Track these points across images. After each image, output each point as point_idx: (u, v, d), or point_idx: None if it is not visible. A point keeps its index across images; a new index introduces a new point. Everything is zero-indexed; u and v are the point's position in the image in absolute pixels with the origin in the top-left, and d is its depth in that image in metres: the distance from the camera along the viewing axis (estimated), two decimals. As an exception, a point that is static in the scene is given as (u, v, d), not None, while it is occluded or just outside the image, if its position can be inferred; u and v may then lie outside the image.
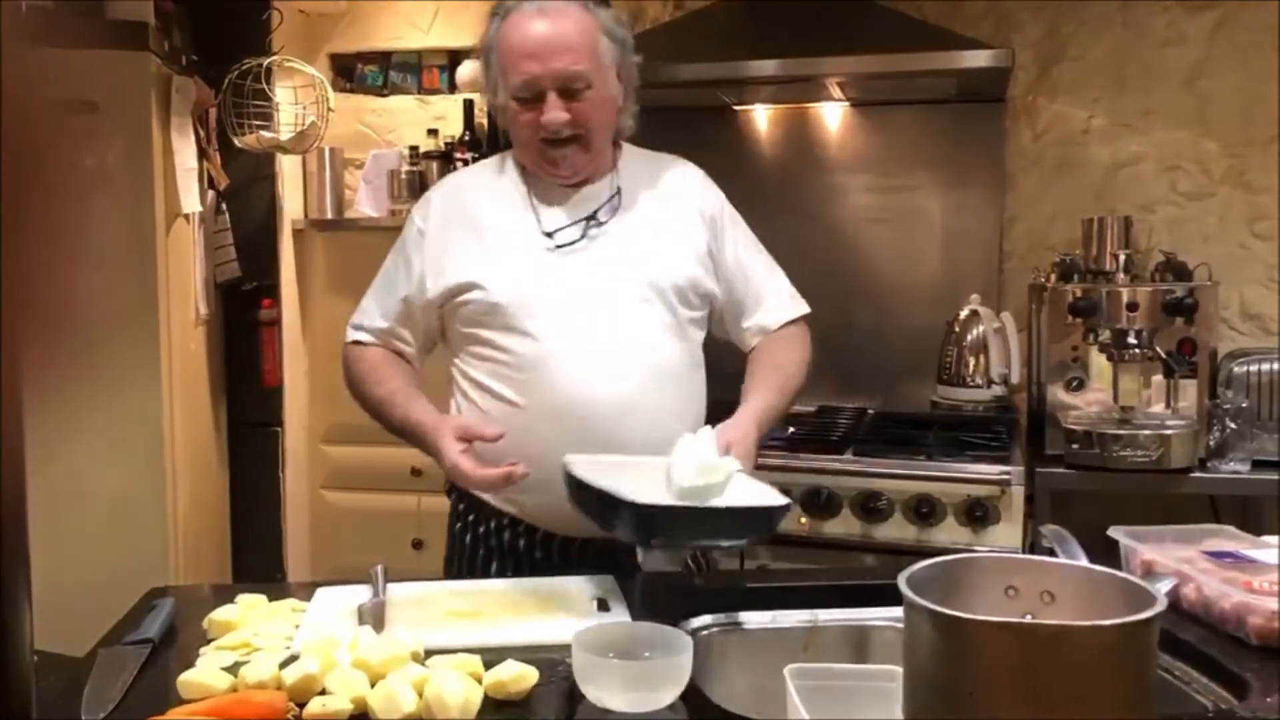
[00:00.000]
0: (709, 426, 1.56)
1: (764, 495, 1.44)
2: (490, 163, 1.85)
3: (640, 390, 1.66)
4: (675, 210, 1.78)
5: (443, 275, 1.72)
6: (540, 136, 1.67)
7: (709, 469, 1.43)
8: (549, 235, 1.71)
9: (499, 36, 1.68)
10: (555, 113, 1.64)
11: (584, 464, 1.49)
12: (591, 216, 1.72)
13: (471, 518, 1.77)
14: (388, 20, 3.46)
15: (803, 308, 1.88)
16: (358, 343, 1.82)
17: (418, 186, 3.27)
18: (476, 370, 1.71)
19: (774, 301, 1.84)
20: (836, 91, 2.94)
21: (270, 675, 1.16)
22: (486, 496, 1.73)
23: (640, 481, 1.42)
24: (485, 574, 1.72)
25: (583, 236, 1.71)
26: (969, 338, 2.85)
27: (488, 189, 1.78)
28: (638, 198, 1.76)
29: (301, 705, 1.12)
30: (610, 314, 1.68)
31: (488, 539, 1.74)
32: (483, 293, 1.68)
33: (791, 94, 3.04)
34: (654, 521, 1.38)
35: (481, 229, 1.73)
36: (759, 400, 1.70)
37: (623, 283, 1.69)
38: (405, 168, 3.31)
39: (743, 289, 1.81)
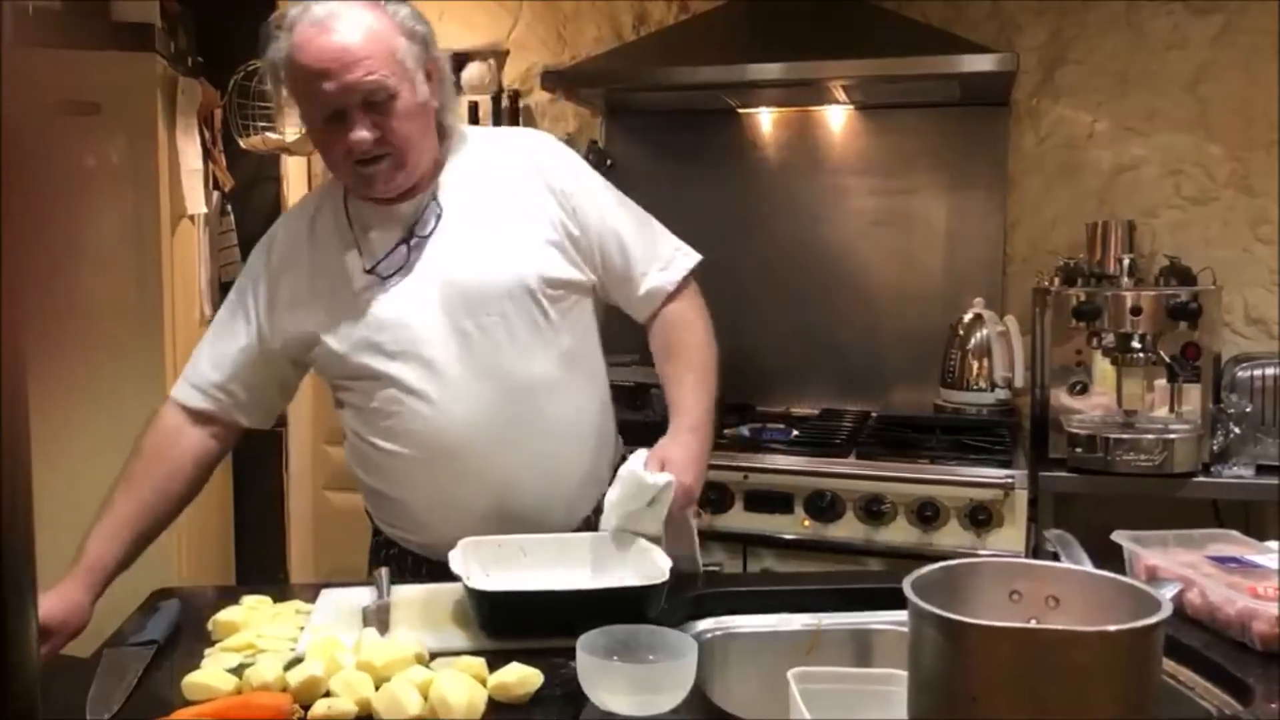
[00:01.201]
0: (642, 450, 1.50)
1: (650, 568, 1.38)
2: (319, 191, 1.71)
3: (501, 415, 1.55)
4: (515, 197, 1.61)
5: (281, 326, 1.61)
6: (352, 159, 1.52)
7: (638, 490, 1.41)
8: (369, 271, 1.58)
9: (286, 53, 1.51)
10: (361, 132, 1.49)
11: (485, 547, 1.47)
12: (409, 235, 1.58)
13: (388, 547, 1.73)
14: (392, 22, 3.46)
15: (690, 259, 1.71)
16: (177, 402, 1.65)
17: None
18: (349, 418, 1.64)
19: (657, 265, 1.67)
20: (840, 95, 2.94)
21: (275, 677, 1.16)
22: (385, 529, 1.70)
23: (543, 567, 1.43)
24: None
25: (406, 261, 1.57)
26: (972, 341, 2.85)
27: (312, 224, 1.65)
28: (468, 196, 1.61)
29: (306, 707, 1.12)
30: (456, 337, 1.55)
31: (401, 559, 1.68)
32: (323, 345, 1.58)
33: (795, 97, 3.04)
34: (494, 607, 1.32)
35: (309, 273, 1.61)
36: (689, 406, 1.59)
37: (464, 299, 1.55)
38: (409, 170, 3.31)
39: (619, 258, 1.65)
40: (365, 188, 1.56)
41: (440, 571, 1.44)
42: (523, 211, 1.61)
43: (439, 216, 1.59)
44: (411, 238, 1.58)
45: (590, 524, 1.63)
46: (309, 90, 1.50)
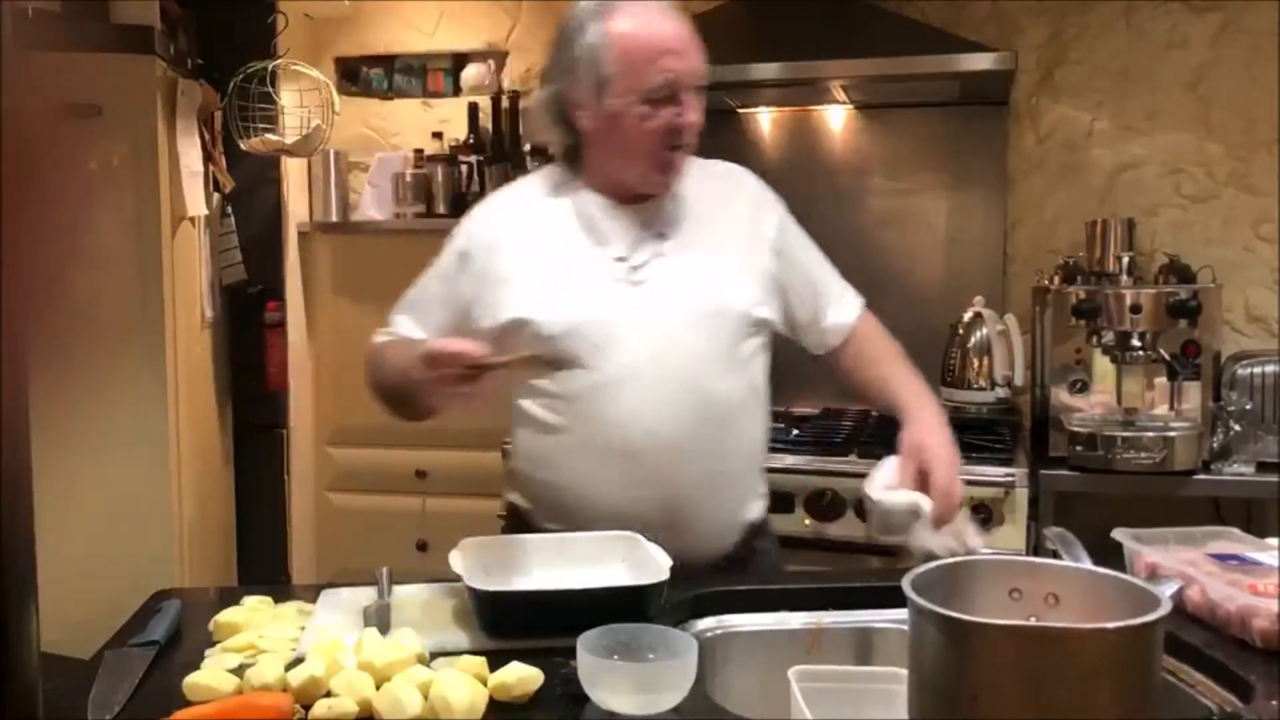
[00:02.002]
0: (892, 457, 1.53)
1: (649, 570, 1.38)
2: (538, 179, 1.74)
3: (694, 428, 1.57)
4: (735, 228, 1.68)
5: (496, 308, 1.62)
6: (669, 142, 1.57)
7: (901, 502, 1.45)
8: (620, 260, 1.61)
9: (616, 34, 1.55)
10: (693, 115, 1.56)
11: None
12: (660, 235, 1.63)
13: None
14: (392, 24, 3.46)
15: (859, 301, 1.82)
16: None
17: (422, 189, 3.28)
18: (527, 399, 1.64)
19: (848, 297, 1.79)
20: (840, 94, 2.94)
21: (276, 677, 1.16)
22: (548, 526, 1.66)
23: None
24: None
25: (649, 259, 1.61)
26: (972, 340, 2.85)
27: (542, 208, 1.67)
28: (698, 213, 1.66)
29: (307, 707, 1.13)
30: (676, 347, 1.58)
31: None
32: (540, 325, 1.58)
33: (795, 97, 3.05)
34: (495, 608, 1.32)
35: (544, 257, 1.63)
36: (918, 389, 1.64)
37: (691, 312, 1.59)
38: (410, 171, 3.32)
39: (812, 296, 1.74)
40: (663, 174, 1.60)
41: None
42: (742, 242, 1.67)
43: (678, 227, 1.64)
44: (651, 240, 1.62)
45: (731, 556, 1.65)
46: (648, 65, 1.53)
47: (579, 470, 1.59)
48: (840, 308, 1.77)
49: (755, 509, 1.71)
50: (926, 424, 1.56)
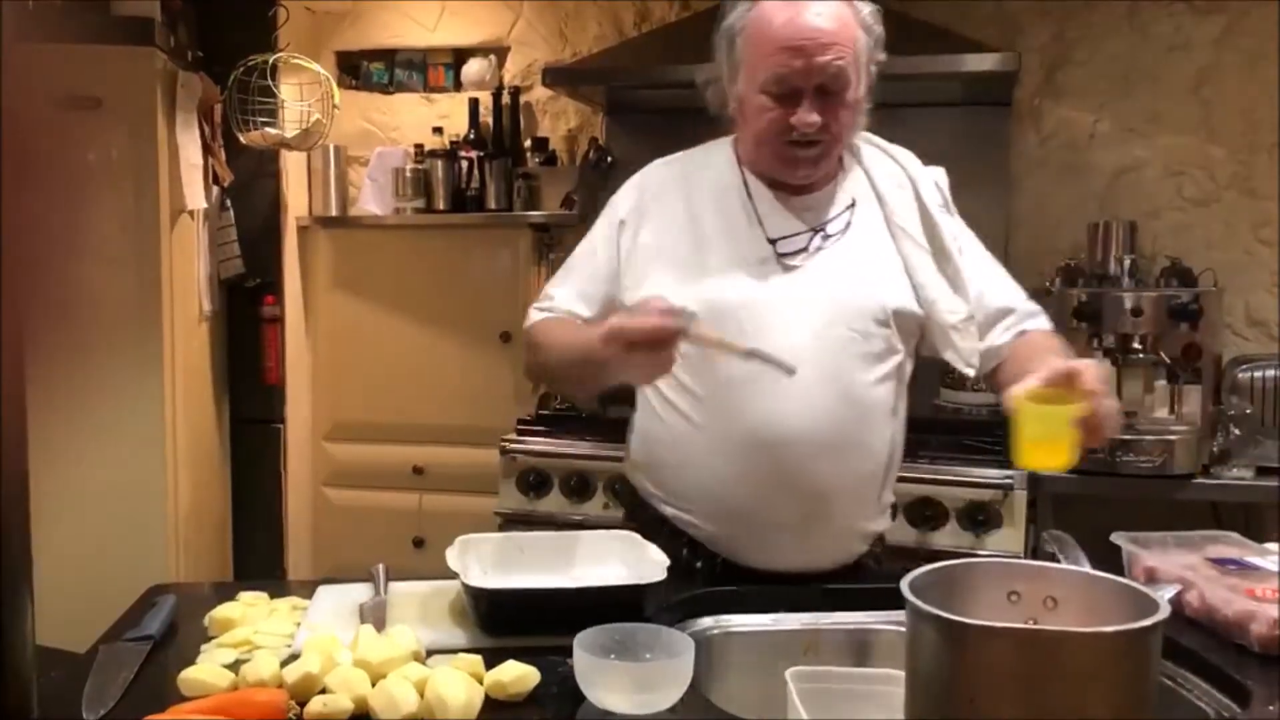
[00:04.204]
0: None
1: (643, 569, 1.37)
2: (705, 151, 1.67)
3: (836, 429, 1.50)
4: (905, 224, 1.59)
5: (641, 279, 1.56)
6: (786, 138, 1.51)
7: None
8: (773, 243, 1.55)
9: (752, 18, 1.50)
10: (810, 115, 1.48)
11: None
12: (820, 228, 1.56)
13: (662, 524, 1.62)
14: (393, 18, 3.46)
15: (1049, 324, 1.64)
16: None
17: (422, 184, 3.28)
18: (661, 387, 1.57)
19: (1029, 307, 1.62)
20: (842, 93, 2.93)
21: (271, 673, 1.16)
22: (667, 511, 1.59)
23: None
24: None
25: (806, 249, 1.55)
26: (972, 341, 2.85)
27: (705, 183, 1.61)
28: (868, 210, 1.60)
29: (302, 704, 1.12)
30: (822, 341, 1.50)
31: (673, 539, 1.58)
32: (680, 302, 1.46)
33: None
34: (491, 605, 1.31)
35: (698, 233, 1.57)
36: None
37: (842, 307, 1.52)
38: (410, 166, 3.31)
39: (972, 309, 1.59)
40: (786, 168, 1.55)
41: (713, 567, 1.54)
42: (902, 242, 1.59)
43: (849, 223, 1.58)
44: (819, 230, 1.56)
45: (853, 565, 1.60)
46: (771, 62, 1.48)
47: (711, 462, 1.53)
48: (1003, 329, 1.59)
49: (884, 519, 1.65)
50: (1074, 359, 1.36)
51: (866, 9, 1.54)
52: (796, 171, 1.54)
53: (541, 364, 1.62)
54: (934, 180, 1.66)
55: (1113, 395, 1.36)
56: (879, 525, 1.64)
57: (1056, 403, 1.26)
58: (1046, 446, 1.29)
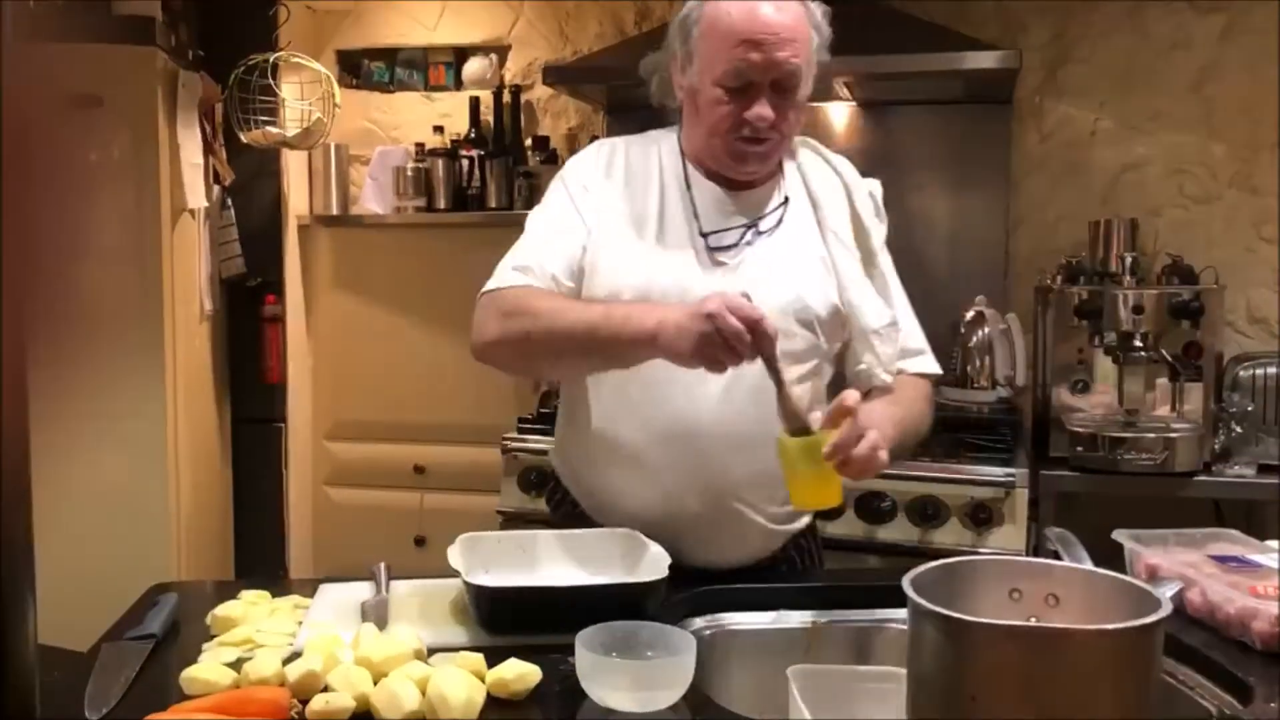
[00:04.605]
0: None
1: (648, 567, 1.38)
2: (651, 140, 1.65)
3: (750, 421, 1.48)
4: (834, 230, 1.59)
5: (599, 258, 1.54)
6: (738, 134, 1.50)
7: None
8: (705, 236, 1.55)
9: (709, 11, 1.50)
10: (764, 110, 1.48)
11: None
12: (753, 224, 1.57)
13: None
14: (394, 17, 3.46)
15: (933, 366, 1.68)
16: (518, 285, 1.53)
17: (423, 183, 3.28)
18: (590, 378, 1.57)
19: (916, 345, 1.66)
20: (843, 91, 2.93)
21: (273, 672, 1.16)
22: (585, 504, 1.62)
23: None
24: None
25: (737, 244, 1.55)
26: (974, 339, 2.85)
27: (650, 170, 1.59)
28: (800, 209, 1.60)
29: (304, 702, 1.12)
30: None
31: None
32: (611, 281, 1.51)
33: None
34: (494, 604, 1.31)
35: (637, 218, 1.56)
36: (885, 408, 1.48)
37: (765, 306, 1.43)
38: (411, 164, 3.31)
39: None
40: (735, 162, 1.54)
41: None
42: (833, 246, 1.59)
43: (781, 220, 1.58)
44: (751, 226, 1.56)
45: (771, 560, 1.61)
46: (728, 54, 1.47)
47: (625, 456, 1.54)
48: (898, 357, 1.61)
49: (805, 517, 1.65)
50: (865, 406, 1.38)
51: (818, 10, 1.54)
52: (745, 166, 1.54)
53: (526, 332, 1.48)
54: (869, 190, 1.66)
55: (885, 432, 1.35)
56: (800, 522, 1.64)
57: (825, 436, 1.32)
58: (806, 482, 1.33)
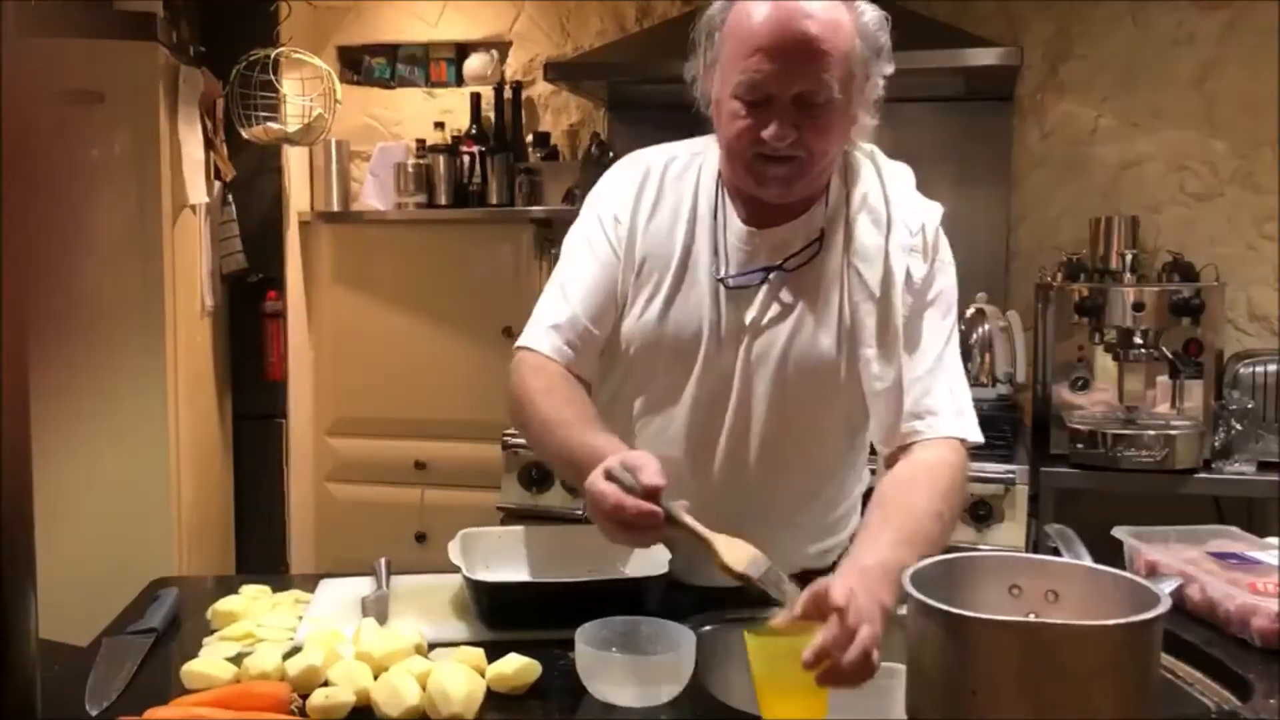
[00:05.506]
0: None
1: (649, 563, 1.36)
2: (695, 152, 1.48)
3: (766, 481, 1.41)
4: (864, 271, 1.39)
5: (634, 301, 1.44)
6: (755, 150, 1.32)
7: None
8: (722, 280, 1.39)
9: (732, 12, 1.33)
10: (781, 128, 1.29)
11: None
12: (778, 265, 1.39)
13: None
14: (395, 13, 3.46)
15: (972, 431, 1.37)
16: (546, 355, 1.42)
17: (424, 179, 3.28)
18: (602, 394, 1.49)
19: (954, 420, 1.36)
20: (844, 88, 2.92)
21: (273, 666, 1.16)
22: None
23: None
24: None
25: (760, 284, 1.39)
26: (975, 336, 2.85)
27: (690, 194, 1.45)
28: (836, 245, 1.40)
29: (304, 696, 1.12)
30: (764, 384, 1.39)
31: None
32: (636, 341, 1.42)
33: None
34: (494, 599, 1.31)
35: (666, 258, 1.42)
36: (887, 552, 1.16)
37: (780, 357, 1.38)
38: (412, 161, 3.31)
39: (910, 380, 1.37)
40: (753, 182, 1.36)
41: None
42: (860, 283, 1.39)
43: (812, 257, 1.40)
44: (775, 269, 1.39)
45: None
46: (745, 63, 1.29)
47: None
48: (923, 420, 1.36)
49: (844, 531, 1.56)
50: (858, 572, 1.13)
51: (870, 13, 1.34)
52: (767, 189, 1.36)
53: (523, 426, 1.43)
54: (921, 224, 1.42)
55: (874, 625, 1.03)
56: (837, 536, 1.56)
57: (805, 636, 1.02)
58: (779, 692, 1.05)
